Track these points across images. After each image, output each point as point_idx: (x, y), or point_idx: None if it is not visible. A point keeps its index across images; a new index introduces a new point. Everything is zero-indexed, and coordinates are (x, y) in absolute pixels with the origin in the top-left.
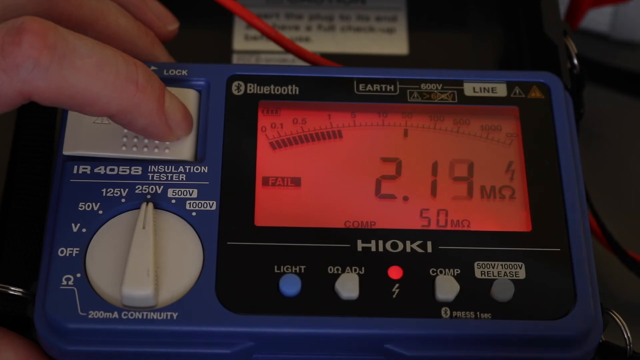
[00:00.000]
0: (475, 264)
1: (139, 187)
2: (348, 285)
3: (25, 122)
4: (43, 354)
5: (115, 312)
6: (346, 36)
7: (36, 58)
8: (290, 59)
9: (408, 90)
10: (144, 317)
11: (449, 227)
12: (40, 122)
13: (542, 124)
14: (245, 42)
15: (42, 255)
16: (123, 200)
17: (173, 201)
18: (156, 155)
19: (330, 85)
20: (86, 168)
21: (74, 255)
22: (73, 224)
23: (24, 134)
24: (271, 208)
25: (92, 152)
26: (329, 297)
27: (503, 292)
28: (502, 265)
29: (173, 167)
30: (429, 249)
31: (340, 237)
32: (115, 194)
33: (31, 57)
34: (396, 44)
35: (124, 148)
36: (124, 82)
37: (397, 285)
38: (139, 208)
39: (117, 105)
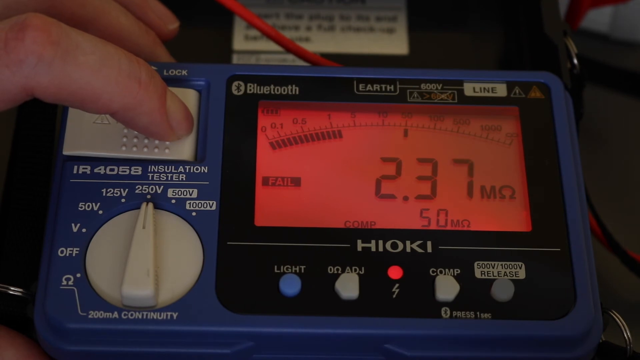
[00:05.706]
0: (475, 264)
1: (139, 187)
2: (348, 285)
3: (25, 121)
4: (43, 354)
5: (115, 312)
6: (346, 36)
7: (39, 53)
8: (290, 59)
9: (408, 90)
10: (144, 317)
11: (449, 227)
12: (40, 122)
13: (542, 124)
14: (245, 42)
15: (42, 255)
16: (123, 200)
17: (173, 201)
18: (156, 155)
19: (330, 85)
20: (86, 168)
21: (74, 255)
22: (73, 224)
23: (24, 134)
24: (271, 208)
25: (92, 152)
26: (329, 297)
27: (503, 292)
28: (502, 265)
29: (173, 167)
30: (429, 249)
31: (340, 237)
32: (115, 194)
33: (34, 52)
34: (396, 44)
35: (124, 148)
36: (126, 79)
37: (397, 285)
38: (139, 208)
39: (119, 102)
